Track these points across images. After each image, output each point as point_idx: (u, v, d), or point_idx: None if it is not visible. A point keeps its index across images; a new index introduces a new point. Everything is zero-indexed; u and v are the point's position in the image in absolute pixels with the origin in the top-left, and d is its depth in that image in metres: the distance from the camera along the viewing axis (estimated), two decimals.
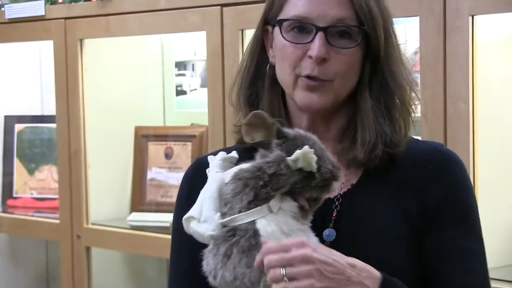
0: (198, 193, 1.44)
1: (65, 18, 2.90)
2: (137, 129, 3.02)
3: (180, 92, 3.06)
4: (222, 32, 2.47)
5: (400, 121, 1.50)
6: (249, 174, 1.35)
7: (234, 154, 1.45)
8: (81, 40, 2.87)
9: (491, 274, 1.91)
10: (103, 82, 2.95)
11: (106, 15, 2.78)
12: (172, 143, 2.97)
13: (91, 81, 2.90)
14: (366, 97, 1.48)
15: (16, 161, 3.40)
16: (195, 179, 1.54)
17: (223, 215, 1.37)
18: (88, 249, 2.92)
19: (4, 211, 3.29)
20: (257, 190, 1.34)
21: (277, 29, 1.49)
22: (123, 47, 2.97)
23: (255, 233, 1.35)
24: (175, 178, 2.92)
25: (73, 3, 2.87)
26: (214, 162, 1.44)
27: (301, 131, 1.41)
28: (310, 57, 1.44)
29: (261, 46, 1.54)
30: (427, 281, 1.45)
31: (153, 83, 3.08)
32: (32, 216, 3.18)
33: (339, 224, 1.46)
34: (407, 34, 2.29)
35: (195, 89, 3.03)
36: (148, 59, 3.06)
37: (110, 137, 2.98)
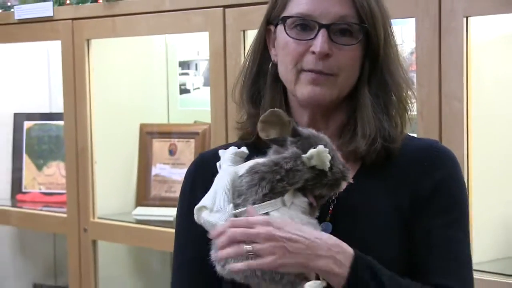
0: (201, 187, 1.46)
1: (73, 19, 2.90)
2: (142, 127, 3.01)
3: (183, 90, 3.05)
4: (224, 32, 2.47)
5: (396, 118, 1.51)
6: (267, 168, 1.37)
7: (244, 149, 1.46)
8: (88, 40, 2.87)
9: (486, 268, 1.93)
10: (109, 81, 2.95)
11: (112, 16, 2.78)
12: (176, 140, 2.97)
13: (98, 80, 2.91)
14: (365, 94, 1.49)
15: (25, 157, 3.40)
16: (197, 174, 1.57)
17: (236, 206, 1.37)
18: (94, 242, 2.93)
19: (13, 206, 3.30)
20: (274, 184, 1.36)
21: (279, 27, 1.50)
22: (128, 47, 2.97)
23: None
24: (179, 174, 2.92)
25: (80, 4, 2.86)
26: (226, 155, 1.45)
27: (314, 131, 1.42)
28: (313, 52, 1.46)
29: (263, 45, 1.55)
30: (414, 268, 1.45)
31: (158, 82, 3.08)
32: (41, 210, 3.18)
33: (336, 218, 1.47)
34: (404, 34, 2.29)
35: (198, 88, 3.02)
36: (153, 59, 3.05)
37: (116, 134, 2.98)
